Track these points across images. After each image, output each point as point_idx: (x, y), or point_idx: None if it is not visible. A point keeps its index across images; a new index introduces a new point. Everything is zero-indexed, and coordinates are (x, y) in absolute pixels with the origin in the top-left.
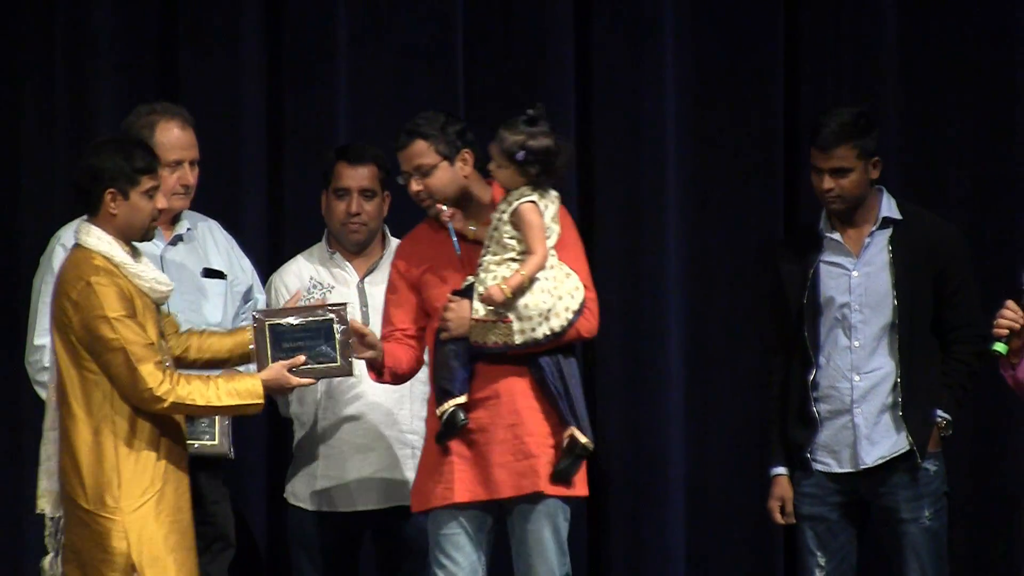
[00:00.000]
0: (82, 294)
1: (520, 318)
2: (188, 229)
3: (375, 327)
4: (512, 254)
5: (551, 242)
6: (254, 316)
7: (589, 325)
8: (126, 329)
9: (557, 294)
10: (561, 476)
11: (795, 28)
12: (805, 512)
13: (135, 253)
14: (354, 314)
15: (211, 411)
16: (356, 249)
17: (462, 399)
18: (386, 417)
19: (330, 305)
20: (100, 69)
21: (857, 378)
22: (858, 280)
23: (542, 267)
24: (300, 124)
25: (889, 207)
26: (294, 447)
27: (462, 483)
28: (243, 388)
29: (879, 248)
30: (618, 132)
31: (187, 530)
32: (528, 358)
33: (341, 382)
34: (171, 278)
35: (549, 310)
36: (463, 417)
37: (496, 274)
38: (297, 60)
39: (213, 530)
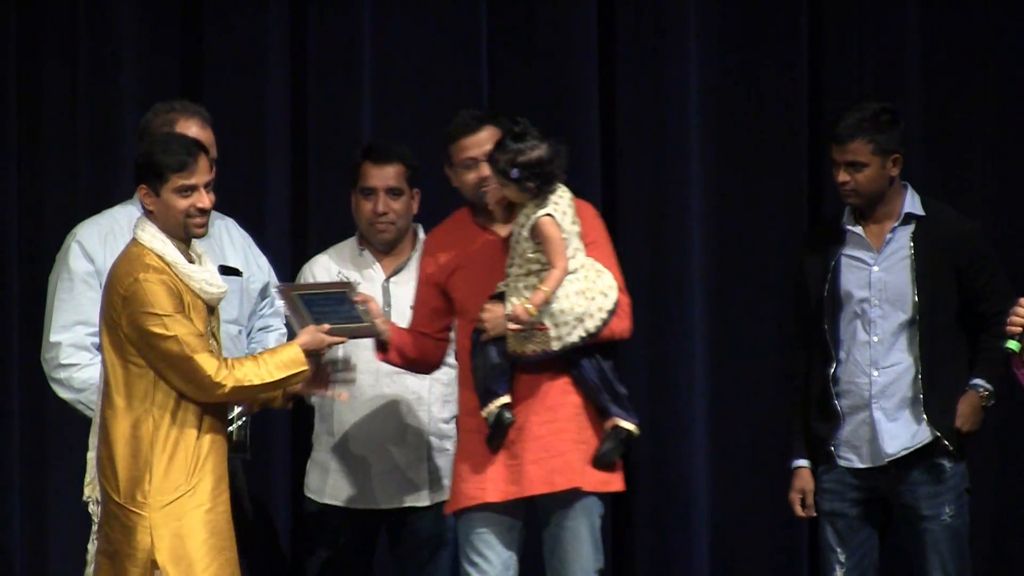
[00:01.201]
0: (130, 290)
1: (556, 324)
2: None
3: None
4: (536, 267)
5: (574, 243)
6: (278, 288)
7: (623, 325)
8: (176, 324)
9: (590, 295)
10: (602, 460)
11: (819, 21)
12: (826, 508)
13: (191, 251)
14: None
15: (268, 388)
16: (385, 248)
17: (507, 398)
18: (406, 416)
19: (339, 282)
20: (123, 68)
21: (876, 373)
22: (878, 275)
23: (563, 280)
24: (324, 123)
25: (913, 203)
26: (313, 438)
27: (494, 483)
28: (288, 358)
29: (901, 244)
30: (642, 129)
31: (222, 529)
32: (564, 356)
33: (362, 377)
34: None
35: (583, 313)
36: (510, 416)
37: (526, 284)
38: (322, 60)
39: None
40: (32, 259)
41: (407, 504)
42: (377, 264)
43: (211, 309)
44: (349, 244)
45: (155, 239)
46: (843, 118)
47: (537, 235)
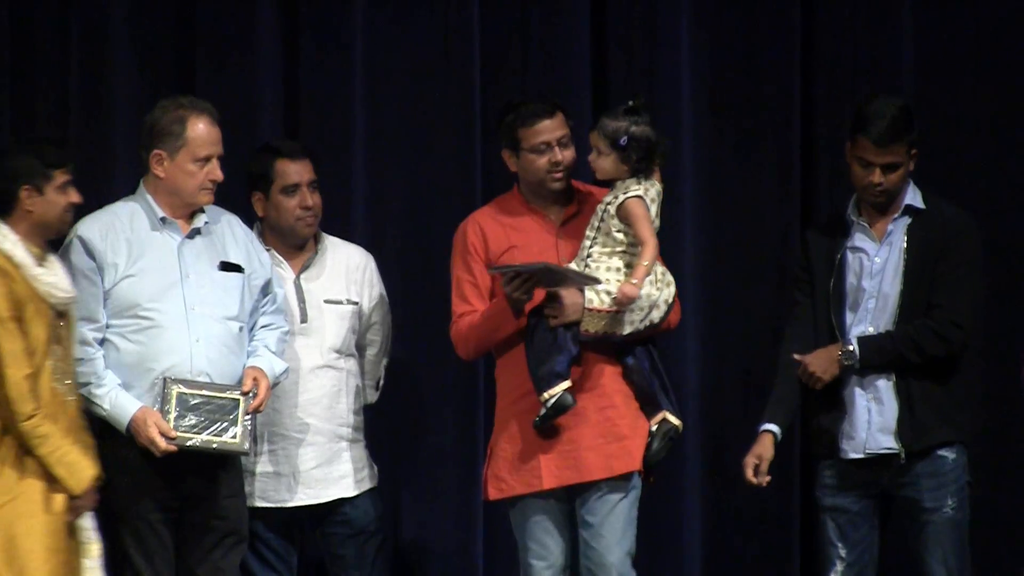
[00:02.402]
0: None
1: (631, 309)
2: (206, 223)
3: (313, 322)
4: (621, 247)
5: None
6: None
7: (677, 317)
8: (6, 333)
9: (659, 286)
10: (654, 457)
11: (811, 19)
12: (827, 503)
13: (43, 256)
14: (291, 308)
15: (44, 461)
16: (302, 243)
17: (569, 382)
18: (325, 412)
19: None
20: (116, 64)
21: None
22: (878, 266)
23: (658, 255)
24: (317, 129)
25: (914, 197)
26: None
27: (548, 470)
28: (77, 468)
29: (898, 235)
30: None
31: (58, 531)
32: (619, 346)
33: (287, 381)
34: (187, 272)
35: (653, 302)
36: (572, 400)
37: (608, 265)
38: (314, 60)
39: (226, 524)
40: None
41: (335, 497)
42: (285, 263)
43: (60, 314)
44: None
45: (5, 240)
46: (878, 117)
47: (625, 215)
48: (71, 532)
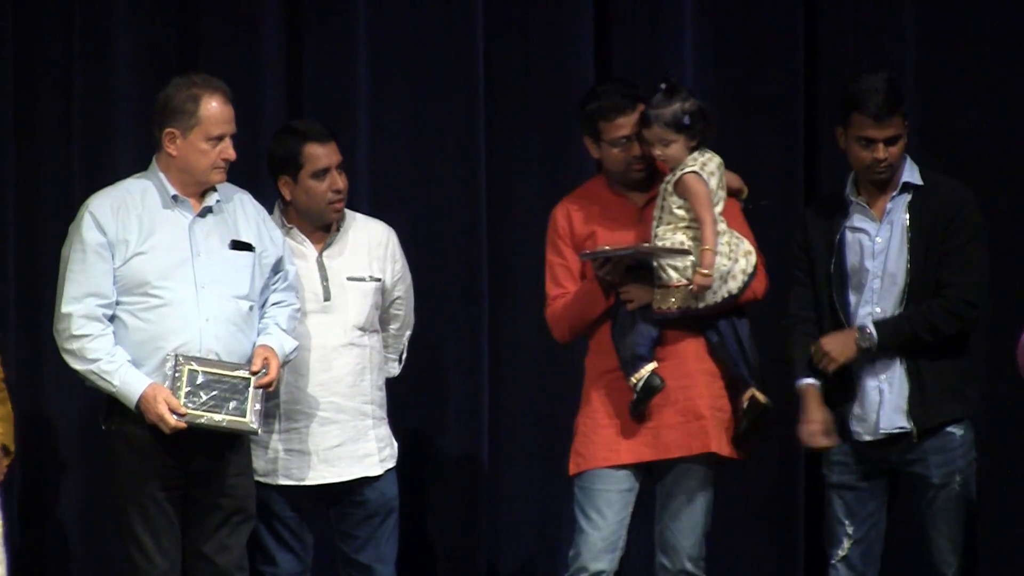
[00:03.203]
0: None
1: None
2: (218, 201)
3: (336, 299)
4: (684, 223)
5: (719, 208)
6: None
7: (763, 286)
8: None
9: (733, 257)
10: (744, 437)
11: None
12: (835, 480)
13: None
14: (314, 286)
15: None
16: (328, 225)
17: (655, 364)
18: (349, 389)
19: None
20: (117, 46)
21: None
22: (881, 245)
23: (717, 232)
24: (320, 98)
25: (911, 173)
26: None
27: (628, 445)
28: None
29: (898, 213)
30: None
31: None
32: (702, 322)
33: (308, 354)
34: (198, 250)
35: (728, 273)
36: (660, 381)
37: (672, 241)
38: (319, 43)
39: (233, 502)
40: (29, 231)
41: (359, 475)
42: (307, 241)
43: None
44: (273, 220)
45: None
46: (873, 92)
47: (683, 190)
48: None
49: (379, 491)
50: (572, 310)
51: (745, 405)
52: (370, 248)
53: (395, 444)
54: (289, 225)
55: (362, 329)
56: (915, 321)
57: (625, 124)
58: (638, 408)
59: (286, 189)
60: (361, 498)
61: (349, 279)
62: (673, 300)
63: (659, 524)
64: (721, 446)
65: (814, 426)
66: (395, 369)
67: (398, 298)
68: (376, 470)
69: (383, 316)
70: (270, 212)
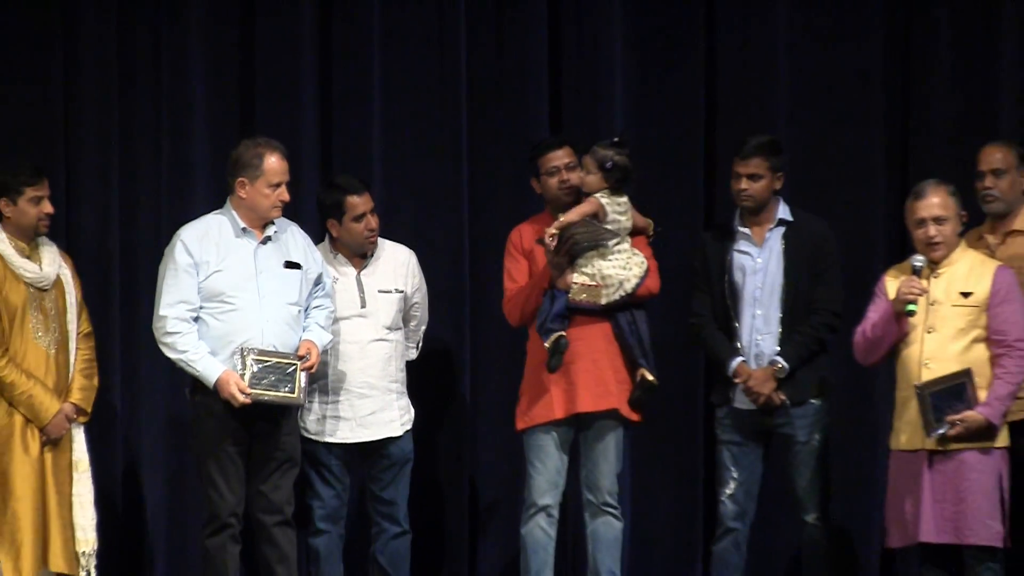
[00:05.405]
0: None
1: (606, 285)
2: (275, 231)
3: (369, 307)
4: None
5: (622, 233)
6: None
7: (655, 284)
8: None
9: (627, 267)
10: (633, 404)
11: (713, 64)
12: (724, 437)
13: (29, 249)
14: (354, 297)
15: (14, 400)
16: (365, 252)
17: (563, 333)
18: (379, 372)
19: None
20: (195, 108)
21: (759, 338)
22: (761, 265)
23: (575, 215)
24: (344, 163)
25: (784, 211)
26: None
27: (559, 402)
28: (41, 409)
29: (776, 241)
30: (584, 134)
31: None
32: (609, 315)
33: (350, 346)
34: (260, 269)
35: (623, 279)
36: (565, 341)
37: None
38: (342, 122)
39: (284, 454)
40: (129, 254)
41: (385, 436)
42: (349, 264)
43: (40, 289)
44: (323, 248)
45: None
46: (747, 141)
47: (585, 199)
48: (58, 453)
49: (399, 447)
50: (521, 297)
51: (638, 380)
52: (395, 267)
53: (412, 411)
54: (335, 252)
55: (389, 328)
56: (807, 342)
57: (554, 157)
58: (551, 363)
59: (333, 229)
60: (386, 452)
61: (380, 291)
62: (584, 296)
63: (583, 468)
64: (622, 407)
65: (761, 375)
66: (413, 354)
67: (416, 303)
68: (398, 432)
69: (404, 316)
70: (312, 237)
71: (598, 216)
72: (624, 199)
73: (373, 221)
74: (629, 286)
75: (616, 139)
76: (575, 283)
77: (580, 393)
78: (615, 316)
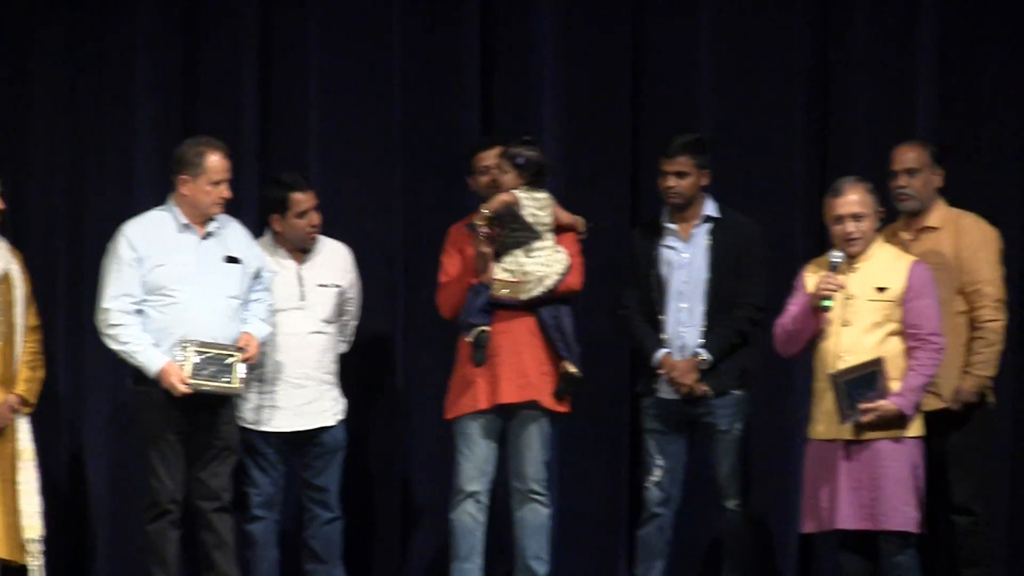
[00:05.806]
0: None
1: (527, 281)
2: (216, 227)
3: (308, 300)
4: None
5: (543, 230)
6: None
7: (576, 280)
8: None
9: (548, 264)
10: (558, 396)
11: (641, 68)
12: (649, 426)
13: None
14: (293, 291)
15: None
16: (305, 248)
17: (485, 327)
18: (315, 364)
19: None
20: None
21: (683, 330)
22: (687, 259)
23: (496, 204)
24: (282, 159)
25: (712, 208)
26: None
27: (484, 393)
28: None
29: (702, 237)
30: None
31: None
32: (534, 309)
33: (288, 338)
34: (202, 264)
35: (543, 275)
36: (486, 333)
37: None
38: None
39: (223, 443)
40: (75, 250)
41: (319, 425)
42: (290, 257)
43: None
44: (264, 242)
45: None
46: (673, 140)
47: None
48: (3, 442)
49: (333, 435)
50: (450, 290)
51: (561, 372)
52: (334, 263)
53: (344, 401)
54: (276, 246)
55: (326, 321)
56: (729, 335)
57: (485, 157)
58: (475, 357)
59: (276, 224)
60: (320, 440)
61: (319, 285)
62: (506, 291)
63: (510, 458)
64: (544, 399)
65: (685, 366)
66: (344, 347)
67: (350, 298)
68: (331, 421)
69: (339, 311)
70: (251, 231)
71: (514, 207)
72: (543, 195)
73: (316, 217)
74: (549, 282)
75: (526, 138)
76: (496, 279)
77: (502, 385)
78: (538, 311)
